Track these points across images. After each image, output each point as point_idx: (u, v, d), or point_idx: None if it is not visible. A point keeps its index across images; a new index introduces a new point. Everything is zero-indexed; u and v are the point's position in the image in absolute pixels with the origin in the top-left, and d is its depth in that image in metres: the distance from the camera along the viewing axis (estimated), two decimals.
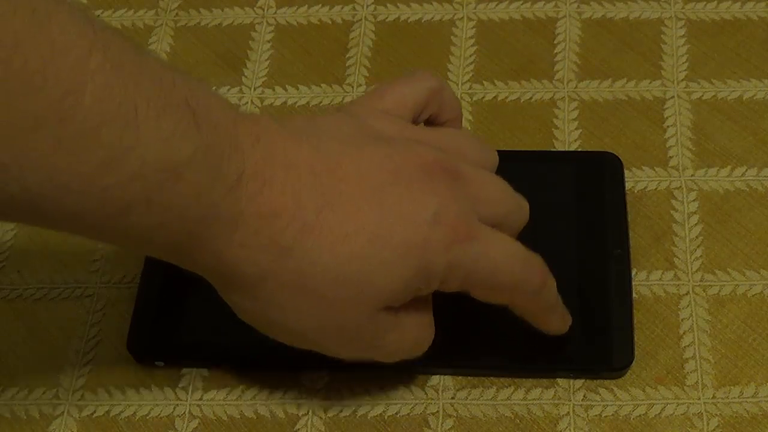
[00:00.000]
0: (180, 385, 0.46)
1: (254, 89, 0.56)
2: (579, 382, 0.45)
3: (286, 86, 0.56)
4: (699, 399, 0.44)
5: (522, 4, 0.58)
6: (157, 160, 0.34)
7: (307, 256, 0.37)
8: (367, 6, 0.59)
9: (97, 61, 0.32)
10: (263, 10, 0.59)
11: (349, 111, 0.42)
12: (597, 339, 0.45)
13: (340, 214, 0.37)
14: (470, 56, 0.56)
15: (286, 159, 0.37)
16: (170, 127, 0.34)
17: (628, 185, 0.50)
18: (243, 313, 0.40)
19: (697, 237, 0.49)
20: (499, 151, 0.52)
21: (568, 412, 0.44)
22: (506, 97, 0.54)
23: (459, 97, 0.54)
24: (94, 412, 0.46)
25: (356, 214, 0.37)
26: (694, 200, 0.50)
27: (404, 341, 0.41)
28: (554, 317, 0.43)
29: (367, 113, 0.42)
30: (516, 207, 0.42)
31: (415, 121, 0.44)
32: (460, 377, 0.45)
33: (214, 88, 0.56)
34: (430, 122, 0.44)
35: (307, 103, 0.55)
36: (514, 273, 0.40)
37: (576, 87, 0.54)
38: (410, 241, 0.38)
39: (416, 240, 0.38)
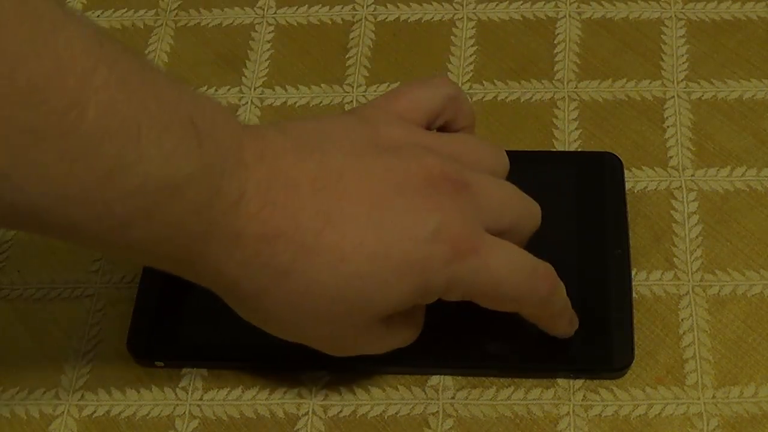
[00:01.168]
0: (180, 385, 0.46)
1: (254, 89, 0.56)
2: (579, 382, 0.45)
3: (286, 86, 0.56)
4: (699, 399, 0.44)
5: (522, 4, 0.58)
6: (159, 177, 0.34)
7: (306, 277, 0.37)
8: (367, 6, 0.59)
9: (102, 77, 0.32)
10: (263, 10, 0.59)
11: (361, 114, 0.42)
12: (597, 339, 0.45)
13: (339, 234, 0.37)
14: (470, 56, 0.56)
15: (289, 178, 0.37)
16: (172, 144, 0.34)
17: (628, 185, 0.50)
18: (244, 317, 0.40)
19: (697, 237, 0.49)
20: None
21: (568, 412, 0.44)
22: (506, 97, 0.54)
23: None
24: (94, 412, 0.46)
25: (355, 232, 0.37)
26: (694, 200, 0.50)
27: (396, 341, 0.42)
28: (562, 322, 0.43)
29: (380, 117, 0.41)
30: (526, 213, 0.42)
31: (428, 127, 0.43)
32: (460, 377, 0.45)
33: (214, 88, 0.56)
34: (443, 129, 0.44)
35: (307, 103, 0.55)
36: (519, 285, 0.40)
37: (576, 87, 0.54)
38: (410, 259, 0.38)
39: (416, 257, 0.38)
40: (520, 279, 0.40)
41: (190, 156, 0.35)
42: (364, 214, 0.38)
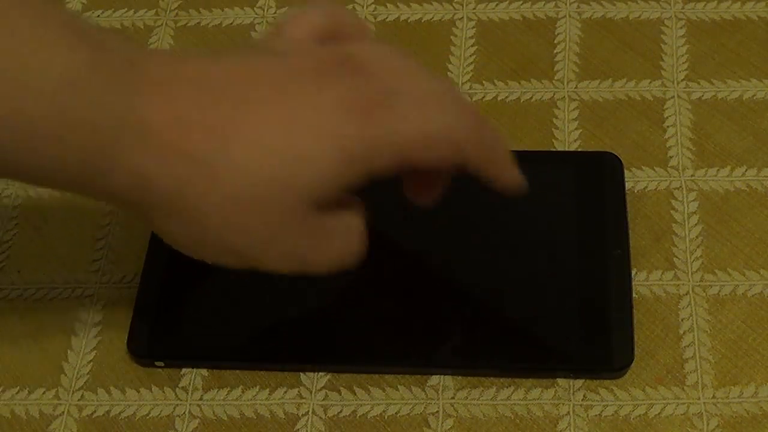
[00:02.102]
0: (180, 385, 0.46)
1: None
2: (579, 382, 0.45)
3: None
4: (699, 399, 0.44)
5: (522, 4, 0.58)
6: (46, 72, 0.34)
7: (222, 161, 0.36)
8: (368, 6, 0.59)
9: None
10: (263, 10, 0.59)
11: (252, 43, 0.42)
12: (597, 339, 0.45)
13: (248, 116, 0.37)
14: (470, 56, 0.56)
15: (189, 72, 0.37)
16: (54, 40, 0.35)
17: (628, 185, 0.50)
18: (168, 237, 0.39)
19: (697, 237, 0.49)
20: None
21: (568, 412, 0.44)
22: (506, 97, 0.54)
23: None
24: (94, 412, 0.46)
25: (265, 113, 0.37)
26: (694, 200, 0.50)
27: (336, 248, 0.40)
28: (506, 169, 0.42)
29: (269, 37, 0.41)
30: (433, 84, 0.40)
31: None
32: (460, 377, 0.45)
33: None
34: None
35: None
36: (444, 127, 0.39)
37: (576, 87, 0.54)
38: (322, 128, 0.37)
39: (327, 126, 0.37)
40: (443, 121, 0.39)
41: (79, 51, 0.35)
42: (270, 96, 0.37)
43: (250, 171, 0.37)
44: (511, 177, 0.43)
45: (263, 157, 0.37)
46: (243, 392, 0.46)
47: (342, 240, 0.40)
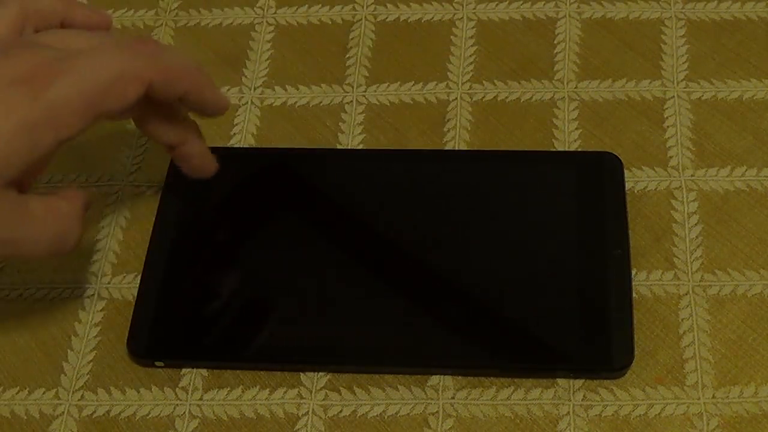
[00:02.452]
0: (180, 385, 0.46)
1: (254, 89, 0.56)
2: (579, 382, 0.45)
3: (286, 86, 0.56)
4: (699, 399, 0.44)
5: (522, 4, 0.58)
6: None
7: None
8: (367, 6, 0.59)
9: None
10: (263, 10, 0.59)
11: None
12: (597, 339, 0.45)
13: None
14: (470, 56, 0.56)
15: None
16: None
17: (628, 185, 0.50)
18: None
19: (697, 237, 0.49)
20: (499, 152, 0.52)
21: (568, 412, 0.44)
22: (506, 97, 0.54)
23: (459, 97, 0.54)
24: (94, 412, 0.46)
25: None
26: (694, 200, 0.50)
27: (44, 231, 0.40)
28: (205, 85, 0.43)
29: None
30: (101, 40, 0.42)
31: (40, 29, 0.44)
32: (460, 377, 0.45)
33: None
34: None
35: (308, 103, 0.55)
36: (116, 67, 0.40)
37: (576, 87, 0.54)
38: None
39: (2, 103, 0.38)
40: (111, 64, 0.40)
41: None
42: None
43: None
44: (214, 95, 0.44)
45: None
46: (243, 392, 0.46)
47: (48, 224, 0.40)
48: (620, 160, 0.50)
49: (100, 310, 0.49)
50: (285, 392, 0.46)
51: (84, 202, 0.42)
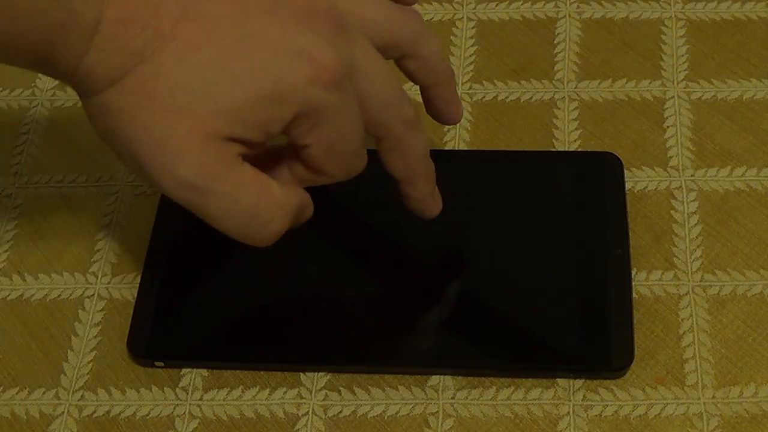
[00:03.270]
0: (180, 385, 0.46)
1: None
2: (579, 382, 0.45)
3: None
4: (699, 399, 0.44)
5: (522, 4, 0.58)
6: None
7: (155, 61, 0.36)
8: None
9: None
10: None
11: None
12: (597, 339, 0.45)
13: (196, 28, 0.37)
14: (470, 56, 0.56)
15: None
16: None
17: (628, 185, 0.50)
18: (93, 122, 0.39)
19: (697, 237, 0.49)
20: (499, 152, 0.52)
21: (568, 412, 0.44)
22: (506, 97, 0.54)
23: (459, 97, 0.54)
24: (94, 412, 0.46)
25: (214, 30, 0.37)
26: (694, 200, 0.50)
27: (239, 201, 0.38)
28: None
29: None
30: (393, 98, 0.41)
31: None
32: (460, 377, 0.45)
33: None
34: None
35: None
36: (350, 144, 0.40)
37: (576, 87, 0.54)
38: (267, 65, 0.37)
39: (274, 65, 0.37)
40: (356, 139, 0.39)
41: None
42: (227, 17, 0.37)
43: (175, 75, 0.36)
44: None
45: (194, 67, 0.36)
46: (243, 392, 0.46)
47: (249, 194, 0.38)
48: (620, 160, 0.50)
49: (100, 310, 0.49)
50: (285, 392, 0.46)
51: (300, 203, 0.41)
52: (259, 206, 0.39)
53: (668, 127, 0.52)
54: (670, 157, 0.51)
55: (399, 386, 0.46)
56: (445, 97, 0.45)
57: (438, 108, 0.45)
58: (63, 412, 0.46)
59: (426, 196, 0.44)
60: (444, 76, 0.44)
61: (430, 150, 0.46)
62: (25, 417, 0.46)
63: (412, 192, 0.44)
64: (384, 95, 0.40)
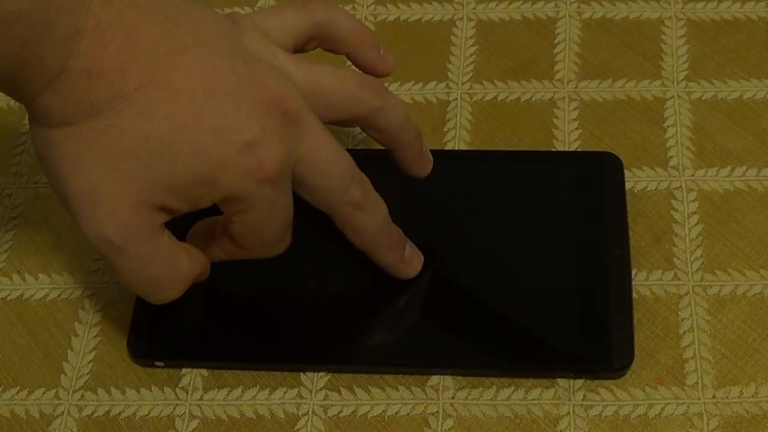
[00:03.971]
0: (180, 385, 0.46)
1: None
2: (579, 382, 0.45)
3: None
4: (699, 399, 0.44)
5: (522, 4, 0.58)
6: None
7: (111, 119, 0.37)
8: (367, 6, 0.59)
9: None
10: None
11: (233, 18, 0.42)
12: (597, 339, 0.45)
13: (158, 97, 0.37)
14: (470, 56, 0.56)
15: (132, 29, 0.37)
16: None
17: (628, 185, 0.50)
18: (36, 148, 0.39)
19: (697, 237, 0.49)
20: (499, 152, 0.52)
21: (568, 412, 0.44)
22: (506, 97, 0.54)
23: (459, 97, 0.54)
24: (94, 412, 0.46)
25: (174, 103, 0.37)
26: (694, 200, 0.50)
27: (146, 267, 0.40)
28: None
29: (248, 27, 0.41)
30: (337, 185, 0.42)
31: (298, 50, 0.44)
32: (460, 377, 0.45)
33: None
34: (331, 51, 0.46)
35: None
36: (270, 231, 0.41)
37: (576, 87, 0.54)
38: (212, 152, 0.38)
39: (218, 153, 0.38)
40: (277, 226, 0.41)
41: None
42: (189, 94, 0.38)
43: (126, 140, 0.37)
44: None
45: (146, 137, 0.37)
46: (243, 392, 0.46)
47: (159, 264, 0.40)
48: (620, 160, 0.50)
49: (100, 310, 0.49)
50: (285, 392, 0.46)
51: (200, 273, 0.43)
52: (165, 276, 0.41)
53: (668, 127, 0.52)
54: (670, 157, 0.51)
55: (399, 386, 0.46)
56: (409, 158, 0.46)
57: (404, 166, 0.46)
58: (63, 412, 0.46)
59: (394, 263, 0.46)
60: (406, 142, 0.45)
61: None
62: (25, 417, 0.46)
63: (378, 261, 0.46)
64: (327, 183, 0.41)
